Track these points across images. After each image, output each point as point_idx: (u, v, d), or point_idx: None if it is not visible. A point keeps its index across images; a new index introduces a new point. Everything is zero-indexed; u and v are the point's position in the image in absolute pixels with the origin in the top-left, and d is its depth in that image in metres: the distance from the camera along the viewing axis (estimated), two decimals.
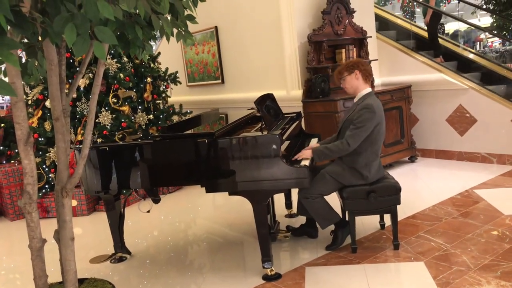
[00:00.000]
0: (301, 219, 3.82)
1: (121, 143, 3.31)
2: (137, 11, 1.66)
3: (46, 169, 5.18)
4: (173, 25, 2.03)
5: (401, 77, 5.99)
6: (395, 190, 3.20)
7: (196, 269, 3.38)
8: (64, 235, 1.90)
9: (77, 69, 5.30)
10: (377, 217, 3.70)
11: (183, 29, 2.22)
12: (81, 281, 2.20)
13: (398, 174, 5.14)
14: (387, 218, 3.59)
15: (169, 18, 2.01)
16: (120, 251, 3.67)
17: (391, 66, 6.18)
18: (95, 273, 3.45)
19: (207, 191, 3.00)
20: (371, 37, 5.88)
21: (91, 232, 4.62)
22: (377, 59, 6.07)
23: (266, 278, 3.03)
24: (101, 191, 3.27)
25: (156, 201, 3.80)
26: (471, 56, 6.37)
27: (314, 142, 3.71)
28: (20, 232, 4.84)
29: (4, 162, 5.73)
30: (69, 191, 1.88)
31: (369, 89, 3.31)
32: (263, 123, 3.45)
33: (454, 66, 6.01)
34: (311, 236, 3.62)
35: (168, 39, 2.10)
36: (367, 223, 3.75)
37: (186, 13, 2.14)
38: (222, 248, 3.74)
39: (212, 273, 3.26)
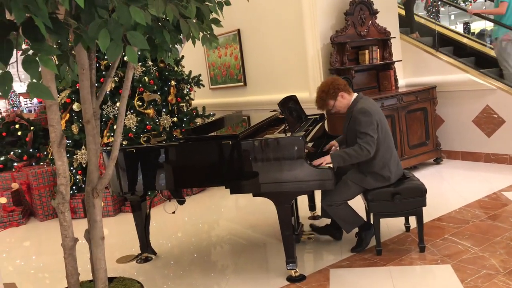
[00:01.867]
0: (325, 221, 3.82)
1: (147, 145, 3.37)
2: (165, 15, 1.70)
3: (74, 171, 5.31)
4: (199, 29, 2.07)
5: (426, 78, 5.92)
6: (421, 191, 3.17)
7: (219, 270, 3.42)
8: (94, 234, 1.95)
9: (103, 73, 5.42)
10: (402, 219, 3.66)
11: (209, 32, 2.26)
12: (110, 280, 2.26)
13: (423, 176, 5.07)
14: (412, 220, 3.55)
15: (194, 22, 2.05)
16: (146, 252, 3.73)
17: (415, 67, 6.11)
18: (121, 273, 3.52)
19: (232, 192, 3.03)
20: (394, 37, 5.83)
21: (117, 233, 4.71)
22: (401, 60, 6.01)
23: (290, 279, 3.03)
24: (127, 192, 3.34)
25: (181, 202, 3.85)
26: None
27: (333, 142, 3.68)
28: (49, 232, 4.97)
29: (34, 164, 5.90)
30: (99, 191, 1.94)
31: (355, 95, 3.33)
32: (287, 124, 3.46)
33: (478, 65, 5.91)
34: (335, 237, 3.62)
35: (194, 43, 2.14)
36: (392, 225, 3.72)
37: (211, 16, 2.18)
38: (245, 249, 3.76)
39: (235, 275, 3.29)
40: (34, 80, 1.15)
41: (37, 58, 1.15)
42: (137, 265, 3.67)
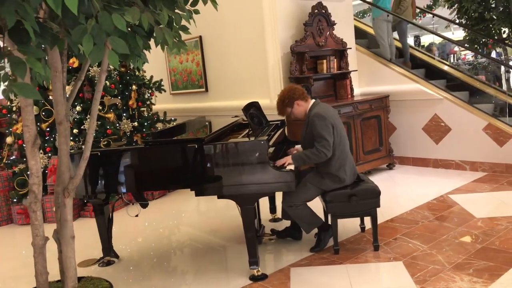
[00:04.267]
0: (285, 223, 3.96)
1: (113, 148, 3.39)
2: (138, 22, 1.79)
3: None
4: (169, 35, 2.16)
5: (380, 87, 6.23)
6: (375, 193, 3.37)
7: (180, 275, 3.47)
8: (65, 233, 1.99)
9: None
10: (357, 221, 3.87)
11: (177, 39, 2.36)
12: (78, 279, 2.28)
13: (377, 180, 5.27)
14: (367, 221, 3.76)
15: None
16: (109, 255, 3.73)
17: (370, 77, 6.42)
18: (85, 275, 3.49)
19: (197, 194, 3.11)
20: (350, 48, 6.11)
21: (77, 238, 4.63)
22: (356, 70, 6.30)
23: (253, 278, 3.14)
24: (90, 195, 3.35)
25: (144, 205, 3.89)
26: (445, 68, 6.67)
27: (298, 146, 3.86)
28: (3, 238, 4.84)
29: None
30: (70, 191, 1.98)
31: (312, 101, 3.52)
32: (250, 129, 3.59)
33: (422, 74, 6.32)
34: (295, 238, 3.77)
35: (163, 48, 2.23)
36: (348, 226, 3.91)
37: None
38: (206, 254, 3.83)
39: (196, 278, 3.36)
40: (20, 81, 1.20)
41: (24, 60, 1.20)
42: (100, 268, 3.66)
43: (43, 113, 5.35)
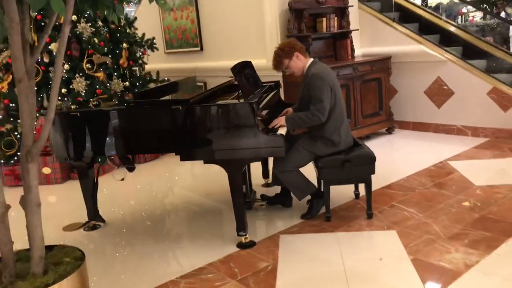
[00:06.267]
0: (278, 189, 3.83)
1: (92, 109, 3.22)
2: None
3: (18, 136, 5.05)
4: None
5: (382, 48, 5.96)
6: (370, 159, 3.22)
7: (174, 238, 3.39)
8: (30, 200, 1.85)
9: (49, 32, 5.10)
10: (351, 187, 3.73)
11: None
12: (50, 248, 2.16)
13: (375, 145, 5.17)
14: (361, 188, 3.62)
15: None
16: (94, 220, 3.63)
17: (373, 37, 6.13)
18: (69, 241, 3.41)
19: (182, 159, 2.96)
20: (352, 6, 5.80)
21: (65, 200, 4.56)
22: (358, 29, 6.01)
23: (241, 245, 3.04)
24: (72, 157, 3.20)
25: (131, 169, 3.75)
26: (452, 29, 6.35)
27: (290, 109, 3.67)
28: None
29: None
30: (34, 155, 1.82)
31: (311, 60, 3.31)
32: (240, 91, 3.40)
33: (437, 40, 5.98)
34: (286, 205, 3.64)
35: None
36: (342, 192, 3.78)
37: None
38: (199, 217, 3.74)
39: (189, 242, 3.27)
40: None
41: None
42: (86, 233, 3.57)
43: None
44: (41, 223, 1.91)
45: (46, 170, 4.98)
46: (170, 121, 2.90)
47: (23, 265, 2.02)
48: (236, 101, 3.13)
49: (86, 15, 5.16)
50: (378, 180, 3.94)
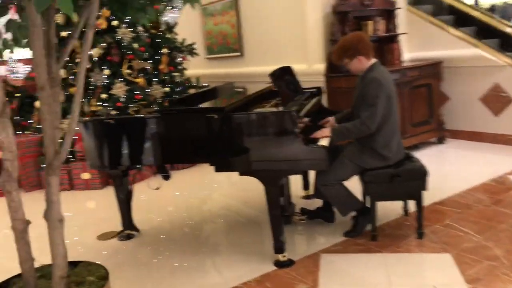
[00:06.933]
0: (319, 202, 3.59)
1: (127, 116, 3.12)
2: None
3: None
4: None
5: (433, 53, 5.58)
6: (422, 174, 2.92)
7: (210, 249, 3.24)
8: (51, 216, 1.72)
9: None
10: (400, 202, 3.43)
11: None
12: (75, 264, 2.04)
13: (424, 156, 4.79)
14: (412, 203, 3.32)
15: None
16: (128, 229, 3.53)
17: (422, 41, 5.76)
18: (102, 250, 3.33)
19: (217, 170, 2.79)
20: (400, 8, 5.47)
21: (103, 207, 4.50)
22: (406, 33, 5.66)
23: (278, 264, 2.83)
24: (106, 165, 3.11)
25: (166, 177, 3.63)
26: (508, 30, 5.87)
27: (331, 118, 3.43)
28: (33, 203, 4.77)
29: (20, 132, 5.65)
30: (55, 168, 1.69)
31: (372, 61, 3.03)
32: (279, 98, 3.20)
33: (495, 44, 5.51)
34: (328, 220, 3.39)
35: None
36: (389, 209, 3.49)
37: None
38: (238, 226, 3.59)
39: (224, 255, 3.11)
40: None
41: None
42: (119, 242, 3.47)
43: (71, 77, 5.15)
44: (63, 239, 1.78)
45: (86, 175, 4.97)
46: (205, 130, 2.73)
47: (46, 282, 1.91)
48: (274, 109, 2.93)
49: (127, 20, 5.14)
50: (429, 195, 3.59)
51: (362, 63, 3.01)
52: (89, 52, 5.01)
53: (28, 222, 1.72)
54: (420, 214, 3.00)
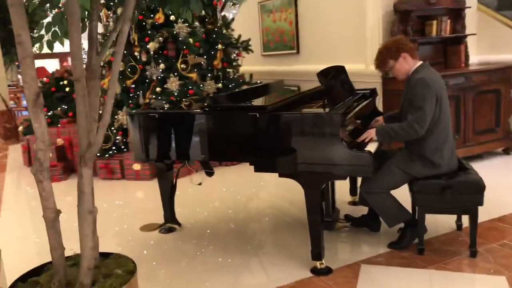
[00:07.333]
0: (365, 209, 3.43)
1: (170, 111, 3.13)
2: None
3: (114, 131, 5.24)
4: None
5: (504, 56, 5.17)
6: (478, 188, 2.69)
7: (250, 248, 3.19)
8: (81, 207, 1.74)
9: (149, 32, 5.22)
10: (453, 215, 3.19)
11: None
12: (106, 255, 2.07)
13: (487, 167, 4.48)
14: (466, 217, 3.08)
15: None
16: (170, 222, 3.56)
17: (493, 43, 5.36)
18: (143, 241, 3.39)
19: (256, 170, 2.72)
20: (470, 7, 5.11)
21: (151, 198, 4.59)
22: (475, 34, 5.29)
23: (315, 271, 2.72)
24: (152, 159, 3.15)
25: (210, 174, 3.63)
26: None
27: (380, 118, 3.25)
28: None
29: None
30: (87, 160, 1.71)
31: (419, 63, 2.84)
32: (326, 99, 3.07)
33: None
34: (373, 229, 3.23)
35: None
36: (441, 221, 3.26)
37: None
38: (281, 226, 3.53)
39: (262, 256, 3.04)
40: None
41: None
42: (160, 235, 3.51)
43: (129, 70, 5.30)
44: (92, 231, 1.79)
45: (137, 166, 5.10)
46: (246, 128, 2.68)
47: (77, 271, 1.94)
48: (319, 110, 2.81)
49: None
50: (488, 210, 3.35)
51: (408, 62, 2.84)
52: (147, 46, 5.13)
53: (59, 212, 1.74)
54: (474, 230, 2.76)
